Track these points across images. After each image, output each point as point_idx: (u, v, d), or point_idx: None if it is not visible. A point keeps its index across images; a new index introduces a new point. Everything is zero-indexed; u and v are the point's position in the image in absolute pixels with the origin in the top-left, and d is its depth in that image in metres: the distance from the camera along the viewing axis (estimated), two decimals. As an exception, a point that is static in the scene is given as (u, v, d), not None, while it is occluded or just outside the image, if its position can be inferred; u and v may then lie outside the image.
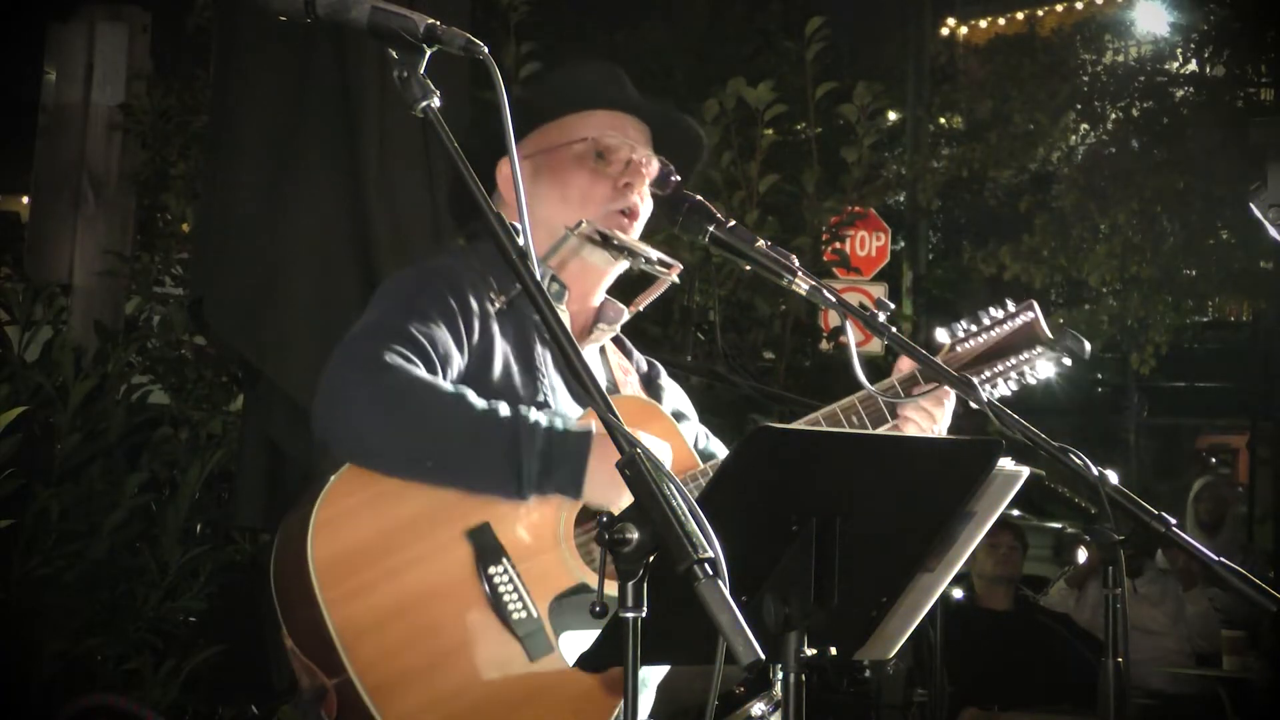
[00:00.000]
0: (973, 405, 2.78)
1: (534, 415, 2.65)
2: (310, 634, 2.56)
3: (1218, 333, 18.31)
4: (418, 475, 2.62)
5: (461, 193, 3.00)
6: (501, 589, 2.63)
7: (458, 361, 2.74)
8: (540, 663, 2.63)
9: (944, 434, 2.99)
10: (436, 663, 2.59)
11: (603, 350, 3.05)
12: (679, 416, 3.09)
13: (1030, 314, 3.11)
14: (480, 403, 2.64)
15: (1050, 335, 3.10)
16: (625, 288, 3.06)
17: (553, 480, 2.63)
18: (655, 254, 2.93)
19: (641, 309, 3.04)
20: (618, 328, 3.02)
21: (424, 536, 2.62)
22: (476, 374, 2.76)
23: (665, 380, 3.19)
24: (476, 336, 2.78)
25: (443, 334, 2.72)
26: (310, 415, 2.69)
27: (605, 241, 2.88)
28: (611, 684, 2.64)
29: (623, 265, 2.96)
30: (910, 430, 3.00)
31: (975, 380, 3.02)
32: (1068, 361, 3.12)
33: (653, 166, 2.97)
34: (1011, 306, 3.13)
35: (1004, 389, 3.10)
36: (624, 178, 2.94)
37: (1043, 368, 3.12)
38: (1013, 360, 3.09)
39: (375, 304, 2.82)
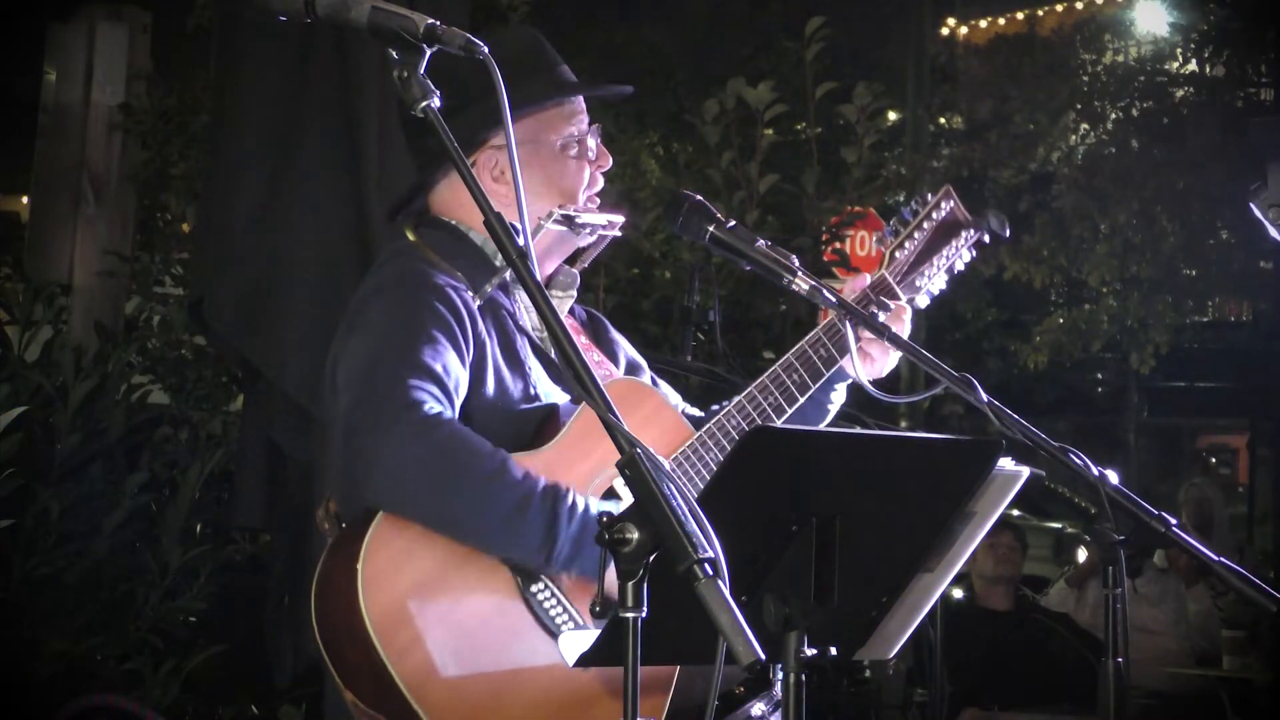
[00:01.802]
0: (973, 404, 2.78)
1: (571, 496, 2.65)
2: (376, 689, 2.56)
3: (1218, 333, 18.28)
4: (446, 535, 2.61)
5: (412, 195, 3.03)
6: (546, 604, 2.65)
7: (464, 382, 2.74)
8: (573, 667, 2.64)
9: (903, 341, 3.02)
10: (500, 690, 2.61)
11: None
12: (635, 368, 3.14)
13: (950, 201, 3.21)
14: (518, 473, 2.63)
15: (971, 218, 3.20)
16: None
17: (578, 563, 2.64)
18: (605, 218, 2.97)
19: (588, 265, 3.06)
20: (574, 293, 3.03)
21: (466, 568, 2.62)
22: (473, 385, 2.76)
23: (615, 334, 3.19)
24: (473, 347, 2.78)
25: (451, 358, 2.71)
26: (333, 449, 2.67)
27: (571, 223, 2.91)
28: (662, 676, 2.70)
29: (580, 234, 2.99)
30: (875, 351, 3.05)
31: (919, 284, 3.16)
32: (986, 239, 3.21)
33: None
34: (931, 196, 3.21)
35: (940, 284, 3.20)
36: (598, 162, 2.99)
37: (968, 253, 3.22)
38: (945, 253, 3.19)
39: (370, 321, 2.78)
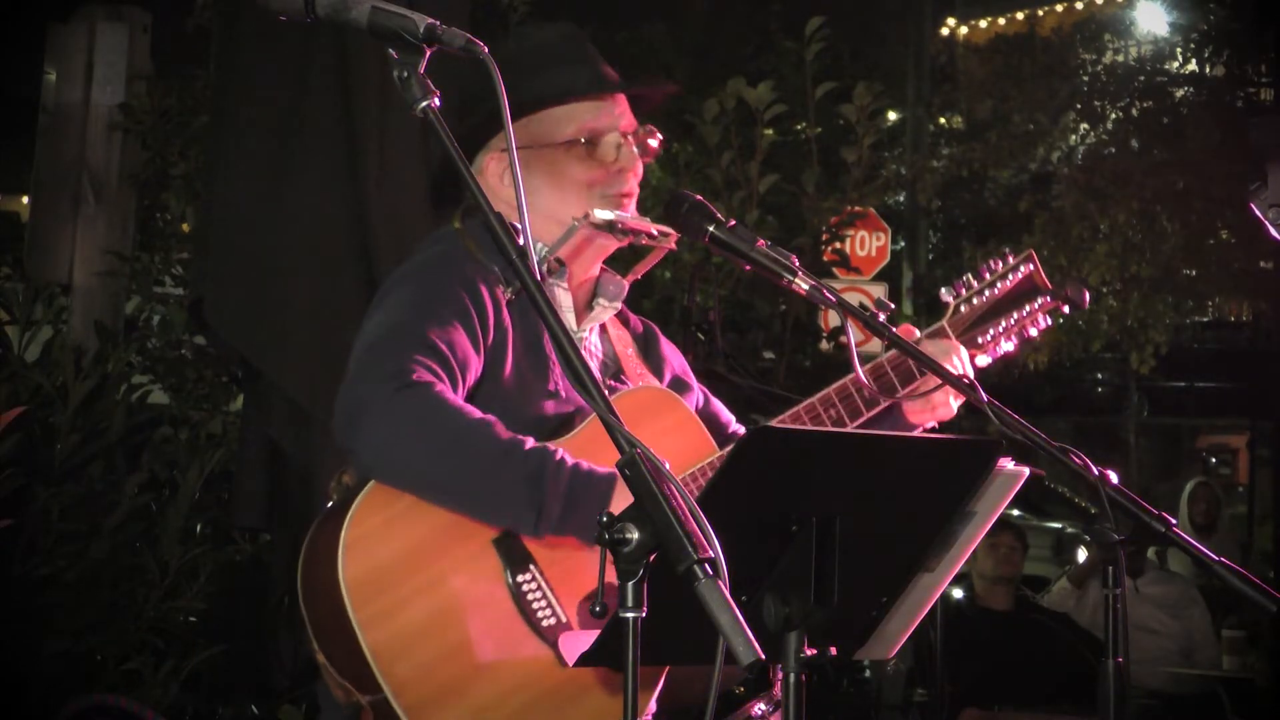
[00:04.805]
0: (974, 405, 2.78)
1: (560, 454, 2.62)
2: (344, 653, 2.56)
3: (1218, 333, 18.29)
4: (438, 501, 2.60)
5: (445, 181, 3.03)
6: (530, 596, 2.63)
7: (475, 365, 2.73)
8: (573, 666, 2.62)
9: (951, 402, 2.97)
10: (472, 677, 2.59)
11: (603, 328, 3.04)
12: (680, 385, 3.09)
13: (1030, 265, 3.13)
14: (505, 434, 2.61)
15: (1050, 285, 3.12)
16: (621, 256, 3.05)
17: (571, 524, 2.60)
18: (655, 228, 2.92)
19: (639, 277, 3.05)
20: (619, 303, 3.01)
21: (452, 548, 2.61)
22: (491, 372, 2.76)
23: (667, 348, 3.16)
24: (492, 333, 2.77)
25: (461, 338, 2.70)
26: (333, 423, 2.66)
27: (612, 228, 2.88)
28: (643, 682, 2.64)
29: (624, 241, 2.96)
30: (937, 397, 2.97)
31: (981, 340, 3.07)
32: (1067, 310, 3.15)
33: (650, 137, 2.97)
34: (1011, 259, 3.14)
35: (1006, 346, 3.12)
36: (617, 163, 2.94)
37: (1042, 319, 3.14)
38: (1015, 315, 3.11)
39: (389, 303, 2.78)
